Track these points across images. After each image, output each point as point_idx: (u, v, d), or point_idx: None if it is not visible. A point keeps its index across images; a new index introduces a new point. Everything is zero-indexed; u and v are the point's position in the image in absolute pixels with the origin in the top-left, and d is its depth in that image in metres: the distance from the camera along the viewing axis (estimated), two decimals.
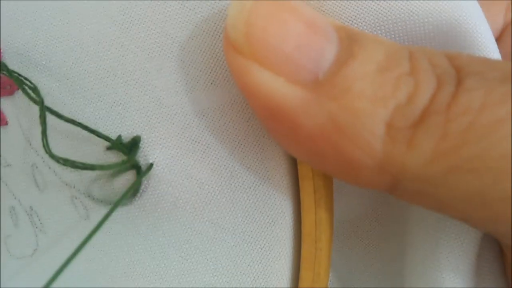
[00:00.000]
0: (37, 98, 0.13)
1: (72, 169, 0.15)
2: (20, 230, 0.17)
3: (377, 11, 0.13)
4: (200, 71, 0.14)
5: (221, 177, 0.14)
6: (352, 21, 0.14)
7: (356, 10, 0.14)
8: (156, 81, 0.14)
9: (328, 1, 0.14)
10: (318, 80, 0.11)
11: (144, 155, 0.14)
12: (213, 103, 0.14)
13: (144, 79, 0.14)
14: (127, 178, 0.14)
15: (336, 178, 0.14)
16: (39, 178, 0.16)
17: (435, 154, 0.11)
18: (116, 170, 0.14)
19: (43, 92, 0.15)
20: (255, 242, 0.15)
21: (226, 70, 0.14)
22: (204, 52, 0.14)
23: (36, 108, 0.15)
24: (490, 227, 0.12)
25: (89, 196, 0.15)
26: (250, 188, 0.14)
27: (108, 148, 0.14)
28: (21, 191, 0.16)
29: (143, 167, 0.14)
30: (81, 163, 0.13)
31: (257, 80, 0.11)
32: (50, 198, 0.16)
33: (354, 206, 0.17)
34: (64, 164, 0.13)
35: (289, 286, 0.15)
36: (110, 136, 0.14)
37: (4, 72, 0.14)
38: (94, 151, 0.14)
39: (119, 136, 0.14)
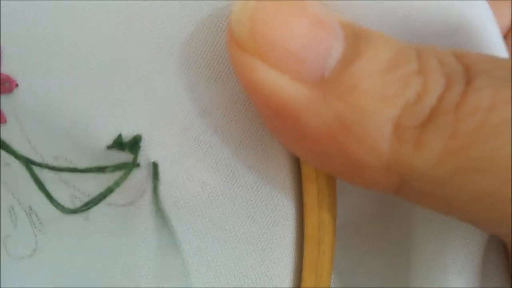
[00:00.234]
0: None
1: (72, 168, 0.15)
2: (19, 230, 0.17)
3: (383, 9, 0.13)
4: (202, 70, 0.14)
5: (223, 177, 0.14)
6: (359, 19, 0.13)
7: (362, 7, 0.13)
8: (157, 80, 0.14)
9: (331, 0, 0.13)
10: (324, 78, 0.11)
11: (145, 155, 0.14)
12: (215, 103, 0.14)
13: (145, 78, 0.14)
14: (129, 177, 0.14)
15: (341, 178, 0.14)
16: (38, 177, 0.15)
17: (444, 154, 0.11)
18: (118, 169, 0.14)
19: (43, 91, 0.14)
20: (257, 244, 0.14)
21: (228, 69, 0.13)
22: (205, 51, 0.13)
23: (36, 107, 0.15)
24: (498, 228, 0.12)
25: (88, 195, 0.15)
26: (253, 188, 0.14)
27: (109, 147, 0.14)
28: (20, 190, 0.16)
29: (144, 167, 0.14)
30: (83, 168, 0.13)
31: (261, 77, 0.11)
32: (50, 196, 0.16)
33: (357, 207, 0.17)
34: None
35: None
36: (111, 134, 0.14)
37: None
38: (94, 150, 0.14)
39: (120, 135, 0.14)
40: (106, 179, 0.15)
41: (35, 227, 0.16)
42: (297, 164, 0.14)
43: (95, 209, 0.15)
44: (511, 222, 0.11)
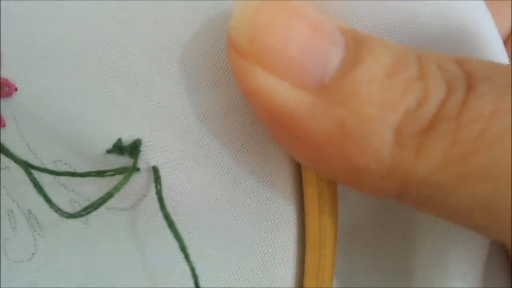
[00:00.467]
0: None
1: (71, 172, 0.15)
2: (18, 233, 0.17)
3: (382, 13, 0.13)
4: (203, 73, 0.13)
5: (224, 181, 0.14)
6: (357, 24, 0.13)
7: (361, 12, 0.13)
8: (157, 83, 0.14)
9: (334, 3, 0.13)
10: (324, 85, 0.11)
11: (145, 159, 0.14)
12: (215, 106, 0.14)
13: (145, 81, 0.14)
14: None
15: (342, 184, 0.13)
16: (38, 180, 0.15)
17: (445, 162, 0.11)
18: (117, 173, 0.14)
19: (42, 95, 0.14)
20: (258, 248, 0.14)
21: (229, 73, 0.13)
22: (206, 54, 0.13)
23: (35, 110, 0.15)
24: (500, 235, 0.12)
25: (88, 199, 0.15)
26: (253, 193, 0.14)
27: (108, 152, 0.14)
28: (19, 194, 0.16)
29: (144, 171, 0.14)
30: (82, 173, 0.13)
31: (261, 84, 0.11)
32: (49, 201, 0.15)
33: (358, 211, 0.17)
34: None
35: None
36: (110, 138, 0.14)
37: None
38: (93, 154, 0.14)
39: (119, 139, 0.14)
40: (106, 184, 0.14)
41: (35, 231, 0.16)
42: (298, 169, 0.14)
43: (94, 213, 0.15)
44: None
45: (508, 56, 0.14)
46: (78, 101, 0.14)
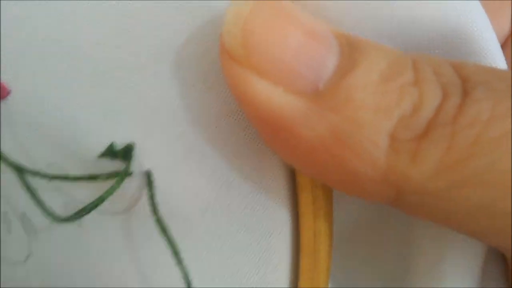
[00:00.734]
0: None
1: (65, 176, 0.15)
2: (13, 236, 0.17)
3: (379, 18, 0.13)
4: (196, 77, 0.13)
5: (217, 186, 0.14)
6: (354, 28, 0.13)
7: (357, 16, 0.13)
8: (151, 87, 0.14)
9: (328, 7, 0.13)
10: (318, 90, 0.11)
11: (139, 163, 0.14)
12: (209, 111, 0.14)
13: (139, 85, 0.14)
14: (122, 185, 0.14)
15: (337, 189, 0.13)
16: (32, 184, 0.15)
17: (441, 167, 0.10)
18: (110, 178, 0.14)
19: (36, 99, 0.14)
20: (252, 253, 0.14)
21: (222, 77, 0.13)
22: (200, 58, 0.13)
23: (29, 114, 0.15)
24: (498, 241, 0.12)
25: (81, 203, 0.15)
26: (247, 197, 0.14)
27: (101, 156, 0.14)
28: (13, 197, 0.16)
29: (137, 175, 0.14)
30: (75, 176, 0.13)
31: (254, 89, 0.11)
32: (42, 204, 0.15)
33: (354, 213, 0.17)
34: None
35: None
36: (103, 142, 0.14)
37: None
38: (86, 158, 0.14)
39: (112, 143, 0.14)
40: (100, 187, 0.14)
41: (29, 234, 0.16)
42: (292, 173, 0.14)
43: (88, 217, 0.15)
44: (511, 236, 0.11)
45: (507, 60, 0.14)
46: (71, 104, 0.14)
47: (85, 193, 0.15)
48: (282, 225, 0.14)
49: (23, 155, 0.15)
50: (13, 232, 0.17)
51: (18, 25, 0.14)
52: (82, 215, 0.13)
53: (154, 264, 0.15)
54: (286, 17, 0.11)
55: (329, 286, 0.15)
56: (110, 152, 0.14)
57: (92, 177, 0.14)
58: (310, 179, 0.14)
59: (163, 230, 0.13)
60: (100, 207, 0.15)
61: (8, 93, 0.15)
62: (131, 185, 0.14)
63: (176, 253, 0.13)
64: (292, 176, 0.14)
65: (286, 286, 0.15)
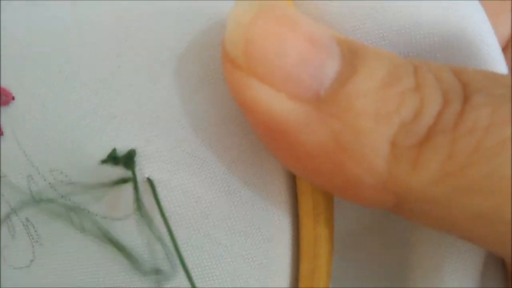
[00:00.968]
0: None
1: (68, 182, 0.15)
2: (17, 241, 0.17)
3: (380, 22, 0.13)
4: (197, 83, 0.13)
5: (218, 192, 0.14)
6: (355, 32, 0.13)
7: (359, 21, 0.13)
8: (152, 93, 0.14)
9: (330, 11, 0.13)
10: (319, 97, 0.11)
11: (140, 169, 0.14)
12: (210, 116, 0.14)
13: (140, 91, 0.14)
14: (122, 191, 0.14)
15: (337, 196, 0.13)
16: (35, 189, 0.15)
17: (441, 175, 0.10)
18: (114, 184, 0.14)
19: (38, 105, 0.14)
20: (252, 258, 0.14)
21: (223, 83, 0.13)
22: (201, 64, 0.13)
23: (31, 120, 0.15)
24: (498, 248, 0.12)
25: (84, 209, 0.15)
26: (248, 203, 0.14)
27: (103, 162, 0.14)
28: (17, 202, 0.16)
29: (139, 181, 0.14)
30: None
31: (256, 96, 0.11)
32: (45, 210, 0.16)
33: (354, 218, 0.17)
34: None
35: None
36: (105, 148, 0.14)
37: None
38: (88, 164, 0.14)
39: (114, 150, 0.14)
40: (103, 193, 0.14)
41: (33, 239, 0.16)
42: (292, 179, 0.14)
43: (91, 223, 0.15)
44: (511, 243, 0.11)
45: (508, 63, 0.14)
46: (74, 110, 0.14)
47: (88, 200, 0.15)
48: (282, 230, 0.14)
49: (26, 160, 0.15)
50: (17, 237, 0.17)
51: (20, 32, 0.14)
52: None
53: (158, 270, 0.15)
54: (288, 23, 0.11)
55: None
56: (112, 158, 0.14)
57: (99, 185, 0.14)
58: (311, 184, 0.14)
59: (171, 233, 0.13)
60: (102, 213, 0.15)
61: (11, 99, 0.15)
62: (133, 191, 0.14)
63: (181, 258, 0.13)
64: (293, 182, 0.14)
65: None
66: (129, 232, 0.15)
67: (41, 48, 0.14)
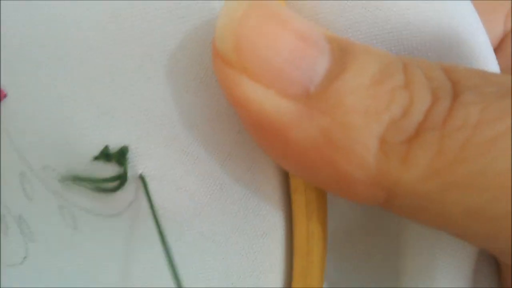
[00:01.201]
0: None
1: (60, 179, 0.15)
2: (9, 238, 0.17)
3: (372, 21, 0.13)
4: (190, 80, 0.13)
5: (211, 189, 0.14)
6: (347, 31, 0.13)
7: (351, 19, 0.13)
8: (144, 90, 0.14)
9: (322, 10, 0.13)
10: (309, 94, 0.11)
11: (133, 166, 0.14)
12: (202, 113, 0.14)
13: (132, 88, 0.14)
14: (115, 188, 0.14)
15: (329, 192, 0.13)
16: (28, 187, 0.15)
17: (431, 171, 0.11)
18: (107, 181, 0.14)
19: (31, 101, 0.14)
20: (246, 255, 0.14)
21: (215, 80, 0.13)
22: (193, 61, 0.13)
23: (24, 117, 0.15)
24: (489, 244, 0.12)
25: (76, 206, 0.15)
26: (241, 200, 0.14)
27: (95, 158, 0.14)
28: (10, 199, 0.16)
29: (131, 178, 0.14)
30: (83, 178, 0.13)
31: (246, 92, 0.11)
32: (38, 207, 0.16)
33: (348, 215, 0.17)
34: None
35: None
36: (97, 145, 0.14)
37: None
38: (80, 161, 0.14)
39: (106, 146, 0.14)
40: (95, 191, 0.14)
41: (25, 236, 0.16)
42: (285, 175, 0.14)
43: (83, 219, 0.15)
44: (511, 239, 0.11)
45: (499, 62, 0.14)
46: (66, 107, 0.14)
47: (81, 196, 0.15)
48: (275, 227, 0.14)
49: (18, 157, 0.15)
50: (9, 234, 0.17)
51: (13, 29, 0.14)
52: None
53: (149, 266, 0.15)
54: (278, 20, 0.11)
55: (323, 287, 0.15)
56: (105, 155, 0.14)
57: (93, 181, 0.14)
58: (303, 181, 0.14)
59: (160, 232, 0.13)
60: (95, 210, 0.15)
61: (4, 96, 0.15)
62: (126, 187, 0.14)
63: (168, 255, 0.13)
64: (286, 178, 0.14)
65: (280, 287, 0.15)
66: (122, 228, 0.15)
67: (33, 45, 0.14)
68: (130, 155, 0.14)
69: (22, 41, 0.14)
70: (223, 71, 0.11)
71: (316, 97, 0.11)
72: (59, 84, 0.14)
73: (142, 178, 0.14)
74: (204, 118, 0.14)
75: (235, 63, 0.11)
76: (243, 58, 0.11)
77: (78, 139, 0.14)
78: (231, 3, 0.11)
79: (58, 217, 0.15)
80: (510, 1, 0.18)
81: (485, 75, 0.12)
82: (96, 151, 0.14)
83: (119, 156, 0.14)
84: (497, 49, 0.18)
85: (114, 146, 0.14)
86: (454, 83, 0.11)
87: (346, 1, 0.13)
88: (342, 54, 0.11)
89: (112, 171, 0.14)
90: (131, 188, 0.14)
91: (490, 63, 0.14)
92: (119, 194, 0.14)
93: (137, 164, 0.14)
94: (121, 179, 0.14)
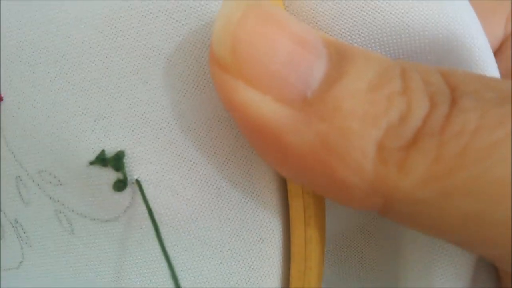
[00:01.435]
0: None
1: (56, 183, 0.15)
2: (5, 242, 0.17)
3: (371, 24, 0.13)
4: (187, 84, 0.13)
5: (208, 194, 0.14)
6: (346, 34, 0.13)
7: (350, 22, 0.13)
8: (141, 94, 0.13)
9: (321, 13, 0.13)
10: (306, 99, 0.11)
11: (129, 171, 0.14)
12: (199, 118, 0.13)
13: (129, 91, 0.14)
14: (111, 193, 0.14)
15: (326, 197, 0.13)
16: (24, 191, 0.15)
17: (428, 177, 0.10)
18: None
19: (27, 105, 0.14)
20: (243, 260, 0.14)
21: (213, 84, 0.13)
22: (191, 65, 0.13)
23: (20, 121, 0.15)
24: (487, 251, 0.11)
25: (73, 210, 0.15)
26: (238, 205, 0.14)
27: (91, 163, 0.14)
28: (6, 203, 0.16)
29: (128, 183, 0.14)
30: None
31: (243, 98, 0.11)
32: (34, 212, 0.15)
33: (346, 219, 0.17)
34: None
35: None
36: (94, 150, 0.14)
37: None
38: (77, 165, 0.14)
39: (103, 151, 0.14)
40: (91, 195, 0.14)
41: (21, 240, 0.16)
42: (283, 181, 0.14)
43: (80, 224, 0.15)
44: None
45: (498, 67, 0.14)
46: (62, 111, 0.14)
47: (77, 200, 0.15)
48: (273, 232, 0.14)
49: (15, 161, 0.15)
50: (6, 238, 0.17)
51: (10, 32, 0.14)
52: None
53: (144, 271, 0.15)
54: (275, 25, 0.11)
55: None
56: (101, 160, 0.14)
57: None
58: (301, 186, 0.14)
59: (159, 236, 0.13)
60: (92, 215, 0.15)
61: (0, 100, 0.15)
62: (121, 192, 0.14)
63: (167, 258, 0.13)
64: (283, 183, 0.14)
65: None
66: (118, 233, 0.15)
67: (30, 48, 0.14)
68: (126, 160, 0.14)
69: (18, 44, 0.14)
70: (219, 76, 0.11)
71: (313, 102, 0.11)
72: (55, 88, 0.14)
73: (138, 183, 0.14)
74: (201, 123, 0.13)
75: (231, 68, 0.11)
76: (240, 63, 0.11)
77: (74, 143, 0.14)
78: (228, 7, 0.11)
79: (54, 221, 0.15)
80: (510, 4, 0.18)
81: (484, 80, 0.11)
82: (93, 155, 0.14)
83: (115, 161, 0.13)
84: (497, 52, 0.18)
85: (111, 150, 0.14)
86: (453, 88, 0.11)
87: (344, 3, 0.13)
88: (339, 58, 0.11)
89: (109, 175, 0.14)
90: (127, 192, 0.14)
91: (490, 67, 0.14)
92: (116, 198, 0.14)
93: (133, 169, 0.14)
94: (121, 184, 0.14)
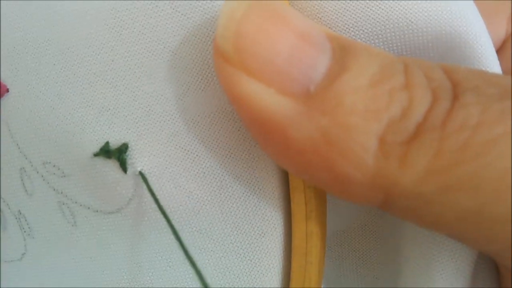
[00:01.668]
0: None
1: (61, 175, 0.15)
2: (8, 233, 0.17)
3: (375, 20, 0.13)
4: (191, 77, 0.13)
5: (210, 186, 0.14)
6: (349, 30, 0.13)
7: (353, 18, 0.13)
8: (146, 86, 0.14)
9: (325, 9, 0.13)
10: (309, 93, 0.11)
11: (132, 163, 0.14)
12: (203, 111, 0.14)
13: (134, 84, 0.14)
14: (114, 185, 0.14)
15: (327, 192, 0.13)
16: (27, 182, 0.15)
17: (429, 172, 0.10)
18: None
19: (32, 97, 0.14)
20: (244, 254, 0.14)
21: (217, 78, 0.13)
22: (195, 58, 0.13)
23: (25, 112, 0.15)
24: (487, 246, 0.12)
25: (76, 202, 0.15)
26: (240, 198, 0.14)
27: (95, 155, 0.14)
28: (10, 194, 0.16)
29: (131, 175, 0.14)
30: None
31: (246, 90, 0.11)
32: (38, 203, 0.16)
33: (347, 216, 0.17)
34: None
35: None
36: (98, 141, 0.14)
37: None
38: (81, 157, 0.14)
39: (107, 143, 0.14)
40: (94, 187, 0.14)
41: (24, 232, 0.16)
42: (285, 175, 0.14)
43: (82, 216, 0.15)
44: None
45: (501, 65, 0.14)
46: (67, 103, 0.14)
47: (80, 192, 0.15)
48: (274, 226, 0.14)
49: (19, 153, 0.15)
50: (8, 229, 0.17)
51: (15, 24, 0.14)
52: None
53: (147, 263, 0.15)
54: (279, 19, 0.11)
55: (321, 287, 0.15)
56: (105, 151, 0.14)
57: None
58: (303, 181, 0.14)
59: (170, 222, 0.13)
60: (94, 207, 0.15)
61: (6, 91, 0.15)
62: (125, 184, 0.14)
63: (182, 244, 0.13)
64: (286, 178, 0.14)
65: (278, 287, 0.15)
66: (121, 225, 0.15)
67: (35, 40, 0.14)
68: (130, 152, 0.14)
69: (24, 36, 0.14)
70: (223, 69, 0.11)
71: (316, 96, 0.11)
72: (60, 80, 0.14)
73: (142, 175, 0.14)
74: (205, 116, 0.14)
75: (235, 61, 0.11)
76: (243, 56, 0.11)
77: (78, 135, 0.14)
78: (233, 1, 0.11)
79: (57, 213, 0.15)
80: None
81: (485, 76, 0.11)
82: (97, 147, 0.14)
83: (119, 153, 0.14)
84: (499, 51, 0.18)
85: (114, 142, 0.14)
86: (455, 84, 0.11)
87: (348, 0, 0.13)
88: (342, 53, 0.11)
89: (113, 166, 0.14)
90: (130, 184, 0.14)
91: (492, 64, 0.14)
92: (118, 190, 0.14)
93: (137, 161, 0.14)
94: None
